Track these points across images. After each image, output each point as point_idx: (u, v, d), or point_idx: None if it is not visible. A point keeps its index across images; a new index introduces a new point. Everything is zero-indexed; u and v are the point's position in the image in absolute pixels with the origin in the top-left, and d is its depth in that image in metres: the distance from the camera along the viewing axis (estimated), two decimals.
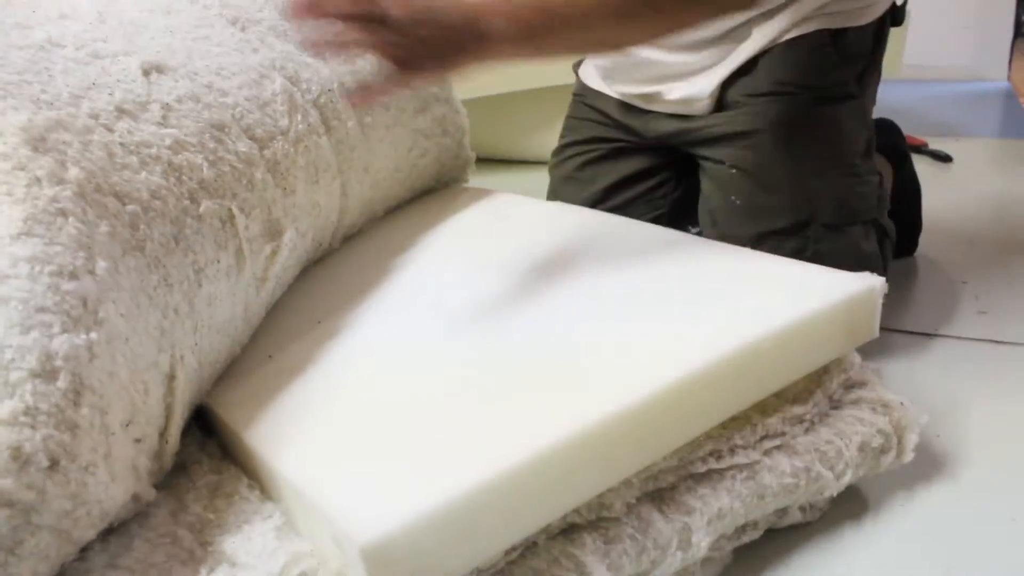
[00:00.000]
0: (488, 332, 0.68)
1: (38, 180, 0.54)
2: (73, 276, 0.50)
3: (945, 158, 1.72)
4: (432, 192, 1.08)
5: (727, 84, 0.99)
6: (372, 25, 0.63)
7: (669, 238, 0.84)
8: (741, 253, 0.79)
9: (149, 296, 0.57)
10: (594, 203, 1.10)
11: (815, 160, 0.95)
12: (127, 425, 0.51)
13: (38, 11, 0.76)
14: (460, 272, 0.81)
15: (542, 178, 1.17)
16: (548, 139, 1.27)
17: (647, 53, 1.01)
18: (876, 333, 0.70)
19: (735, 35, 0.98)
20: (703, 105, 1.00)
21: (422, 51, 0.64)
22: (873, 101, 1.04)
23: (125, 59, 0.72)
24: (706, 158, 1.02)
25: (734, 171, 0.97)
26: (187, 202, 0.65)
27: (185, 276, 0.62)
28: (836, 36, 0.96)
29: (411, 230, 0.93)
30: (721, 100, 0.99)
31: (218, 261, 0.66)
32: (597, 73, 1.13)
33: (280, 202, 0.75)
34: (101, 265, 0.53)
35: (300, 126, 0.81)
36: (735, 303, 0.67)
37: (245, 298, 0.69)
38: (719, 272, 0.73)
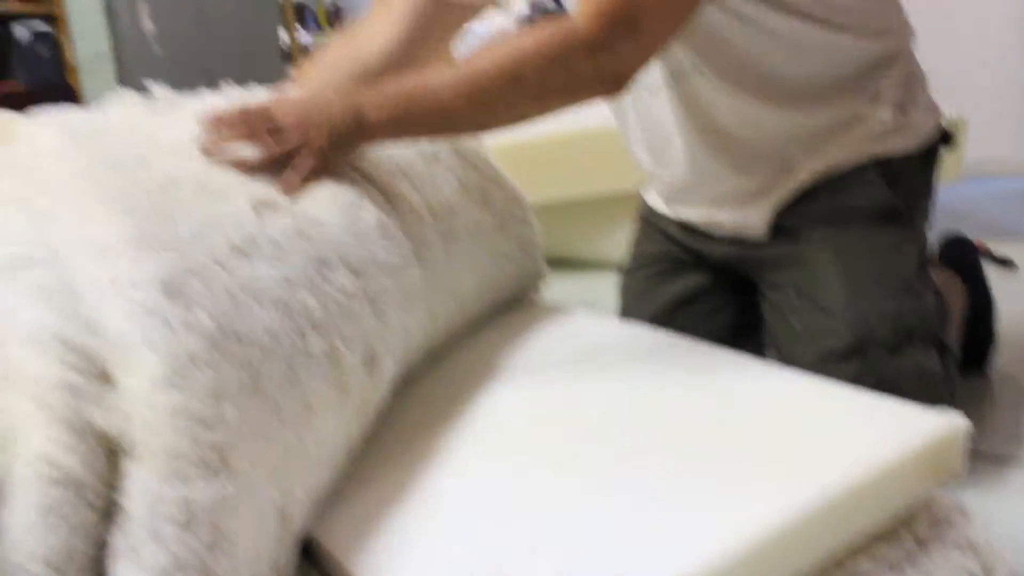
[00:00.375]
0: (575, 470, 0.70)
1: (173, 329, 0.58)
2: (209, 426, 0.54)
3: (1009, 263, 1.72)
4: (510, 308, 1.11)
5: (781, 211, 1.02)
6: (269, 136, 0.78)
7: (743, 367, 0.85)
8: (819, 386, 0.80)
9: (266, 437, 0.61)
10: (662, 318, 1.13)
11: (870, 281, 0.97)
12: (252, 565, 0.54)
13: (150, 139, 0.83)
14: (547, 402, 0.84)
15: (602, 282, 1.20)
16: (607, 243, 1.31)
17: (698, 176, 1.05)
18: (961, 472, 0.70)
19: (783, 160, 1.01)
20: (758, 233, 1.03)
21: (317, 146, 0.79)
22: (927, 219, 1.06)
23: (236, 196, 0.77)
24: (768, 284, 1.05)
25: (792, 295, 0.99)
26: (298, 339, 0.69)
27: (296, 413, 0.65)
28: (886, 162, 0.99)
29: (495, 353, 0.97)
30: (776, 226, 1.03)
31: (325, 395, 0.69)
32: (658, 196, 1.17)
33: (377, 332, 0.79)
34: (230, 412, 0.56)
35: (394, 257, 0.85)
36: (820, 447, 0.68)
37: (347, 429, 0.73)
38: (801, 409, 0.75)
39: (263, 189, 0.79)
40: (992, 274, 1.65)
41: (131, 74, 3.24)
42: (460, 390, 0.88)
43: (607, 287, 1.20)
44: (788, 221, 1.02)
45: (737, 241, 1.08)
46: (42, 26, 3.35)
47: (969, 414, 0.82)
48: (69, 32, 3.35)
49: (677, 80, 0.98)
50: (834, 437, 0.69)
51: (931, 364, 0.97)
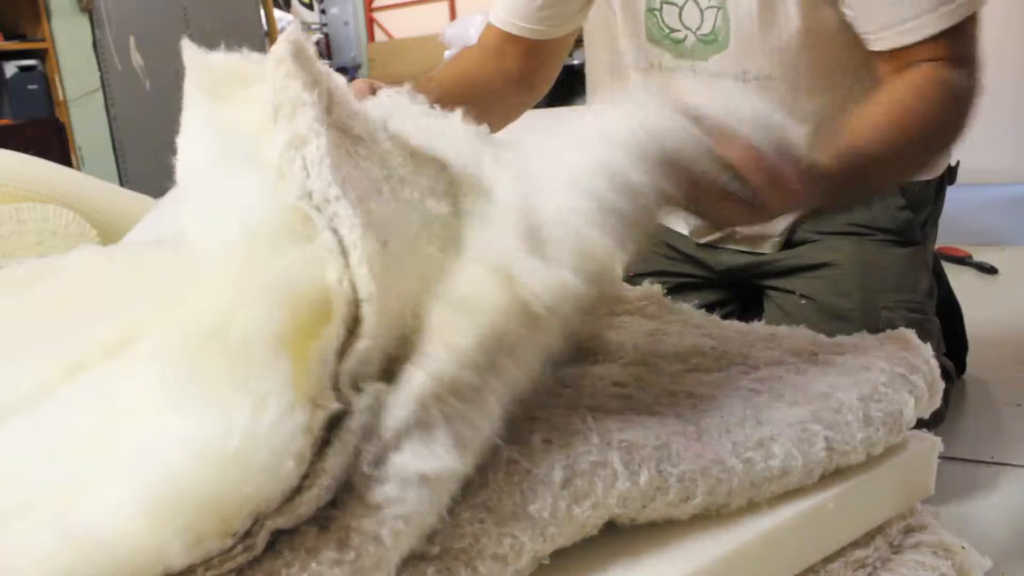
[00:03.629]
0: None
1: None
2: None
3: (990, 270, 1.73)
4: None
5: (797, 222, 1.04)
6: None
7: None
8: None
9: None
10: None
11: (885, 295, 0.98)
12: None
13: None
14: None
15: None
16: None
17: None
18: (932, 491, 0.72)
19: None
20: (774, 243, 1.05)
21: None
22: (933, 248, 1.08)
23: None
24: (774, 288, 1.06)
25: (803, 301, 1.00)
26: None
27: None
28: (906, 187, 1.01)
29: None
30: (790, 237, 1.04)
31: None
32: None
33: None
34: None
35: None
36: None
37: None
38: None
39: None
40: (973, 280, 1.68)
41: (120, 109, 3.27)
42: None
43: None
44: (804, 232, 1.04)
45: (746, 252, 1.09)
46: (31, 61, 3.39)
47: (945, 418, 0.84)
48: (58, 67, 3.38)
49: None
50: None
51: None
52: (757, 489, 0.61)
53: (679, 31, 1.00)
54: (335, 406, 0.47)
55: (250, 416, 0.43)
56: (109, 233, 1.81)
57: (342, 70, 6.45)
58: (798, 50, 0.94)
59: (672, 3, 0.99)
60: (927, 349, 0.72)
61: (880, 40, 0.85)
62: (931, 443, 0.71)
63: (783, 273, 1.05)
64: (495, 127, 1.03)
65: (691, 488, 0.58)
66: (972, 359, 1.22)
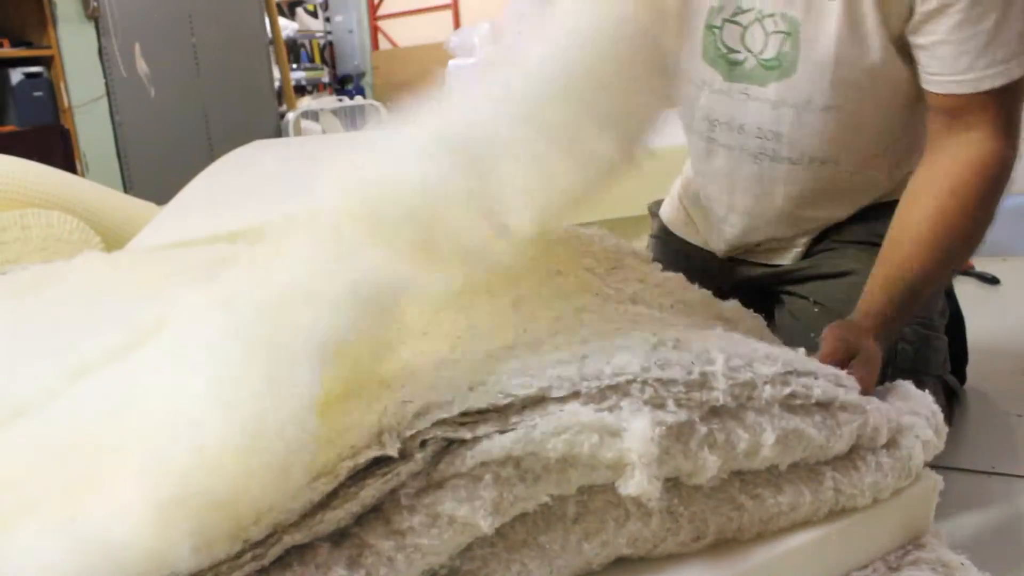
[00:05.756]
0: None
1: None
2: None
3: (992, 280, 1.74)
4: None
5: (817, 238, 1.04)
6: None
7: None
8: None
9: None
10: None
11: None
12: None
13: None
14: None
15: None
16: None
17: (767, 225, 1.06)
18: (930, 528, 0.72)
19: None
20: (795, 255, 1.05)
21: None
22: None
23: None
24: (789, 293, 1.06)
25: (818, 308, 1.00)
26: None
27: None
28: None
29: None
30: (810, 248, 1.05)
31: None
32: (682, 224, 1.17)
33: None
34: None
35: None
36: None
37: None
38: None
39: None
40: (976, 290, 1.68)
41: (125, 116, 3.28)
42: None
43: None
44: (824, 242, 1.05)
45: (766, 264, 1.09)
46: (36, 68, 3.41)
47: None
48: (63, 74, 3.40)
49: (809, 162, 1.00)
50: None
51: (938, 402, 0.98)
52: (766, 524, 0.62)
53: (739, 52, 0.96)
54: (392, 453, 0.48)
55: (261, 411, 0.43)
56: (113, 239, 1.82)
57: (346, 78, 6.47)
58: (871, 84, 0.93)
59: (735, 22, 0.95)
60: (927, 397, 0.74)
61: (938, 83, 0.86)
62: (933, 482, 0.71)
63: (800, 280, 1.05)
64: None
65: (702, 528, 0.59)
66: (974, 369, 1.22)
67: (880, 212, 1.00)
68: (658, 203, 1.27)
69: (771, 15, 0.92)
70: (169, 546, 0.40)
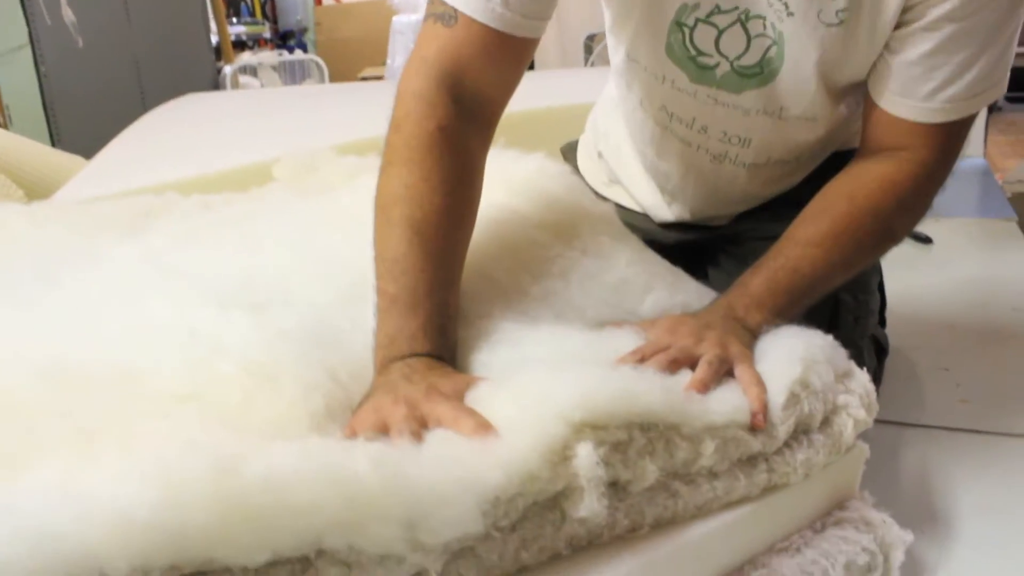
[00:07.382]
0: None
1: None
2: None
3: (926, 240, 1.77)
4: None
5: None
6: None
7: None
8: None
9: None
10: None
11: None
12: None
13: None
14: None
15: None
16: None
17: (719, 200, 1.05)
18: (856, 495, 0.74)
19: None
20: (725, 221, 1.05)
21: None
22: None
23: None
24: (726, 252, 1.06)
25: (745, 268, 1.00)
26: None
27: None
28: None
29: None
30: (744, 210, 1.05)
31: None
32: (603, 184, 1.15)
33: None
34: None
35: None
36: None
37: None
38: None
39: None
40: (909, 250, 1.71)
41: (51, 66, 3.14)
42: None
43: None
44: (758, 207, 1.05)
45: (702, 226, 1.08)
46: None
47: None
48: None
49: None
50: None
51: (870, 362, 0.99)
52: (701, 509, 0.63)
53: (710, 56, 0.89)
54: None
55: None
56: (37, 193, 1.74)
57: (288, 33, 6.29)
58: (852, 96, 0.92)
59: (711, 23, 0.86)
60: (863, 375, 0.74)
61: (895, 103, 0.84)
62: (860, 451, 0.73)
63: (737, 242, 1.05)
64: None
65: (639, 520, 0.60)
66: (905, 326, 1.24)
67: (824, 170, 1.00)
68: (571, 146, 1.22)
69: (758, 16, 0.85)
70: None
